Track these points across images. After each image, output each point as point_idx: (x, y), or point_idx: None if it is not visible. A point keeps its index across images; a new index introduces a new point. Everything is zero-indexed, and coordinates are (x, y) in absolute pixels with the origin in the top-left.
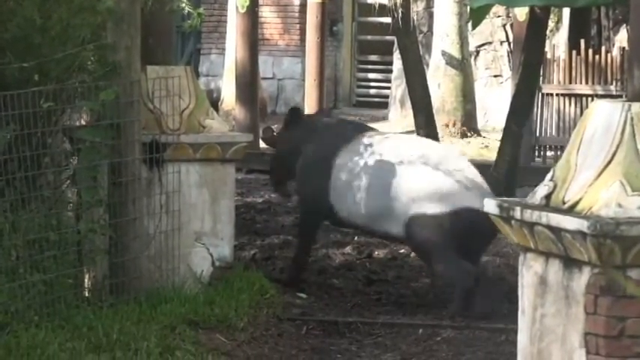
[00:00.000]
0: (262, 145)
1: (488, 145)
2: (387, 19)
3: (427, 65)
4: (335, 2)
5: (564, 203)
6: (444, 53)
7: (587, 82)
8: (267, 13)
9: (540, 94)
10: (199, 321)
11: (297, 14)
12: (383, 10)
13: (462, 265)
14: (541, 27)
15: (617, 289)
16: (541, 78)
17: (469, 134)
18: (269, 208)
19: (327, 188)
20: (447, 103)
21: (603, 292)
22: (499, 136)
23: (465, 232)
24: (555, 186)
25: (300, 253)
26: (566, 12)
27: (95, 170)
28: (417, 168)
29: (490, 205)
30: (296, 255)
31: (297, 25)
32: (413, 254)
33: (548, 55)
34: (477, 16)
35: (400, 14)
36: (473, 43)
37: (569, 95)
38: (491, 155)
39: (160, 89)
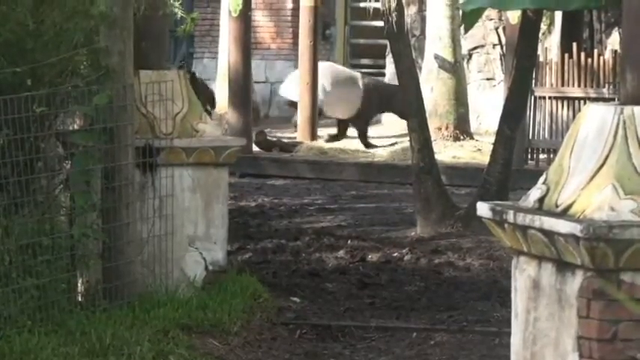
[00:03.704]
0: (255, 148)
1: (481, 149)
2: (380, 23)
3: (420, 69)
4: (328, 6)
5: (557, 206)
6: (436, 56)
7: (579, 85)
8: (260, 17)
9: (533, 97)
10: (193, 325)
11: (289, 18)
12: (376, 13)
13: None
14: (533, 30)
15: (609, 292)
16: (533, 81)
17: (462, 137)
18: (262, 212)
19: None
20: (439, 106)
21: (596, 296)
22: (492, 139)
23: None
24: (548, 189)
25: None
26: (558, 15)
27: (88, 175)
28: None
29: (483, 208)
30: None
31: (290, 29)
32: (406, 258)
33: (541, 58)
34: (470, 19)
35: (393, 18)
36: (465, 47)
37: (562, 98)
38: (484, 158)
39: (153, 93)
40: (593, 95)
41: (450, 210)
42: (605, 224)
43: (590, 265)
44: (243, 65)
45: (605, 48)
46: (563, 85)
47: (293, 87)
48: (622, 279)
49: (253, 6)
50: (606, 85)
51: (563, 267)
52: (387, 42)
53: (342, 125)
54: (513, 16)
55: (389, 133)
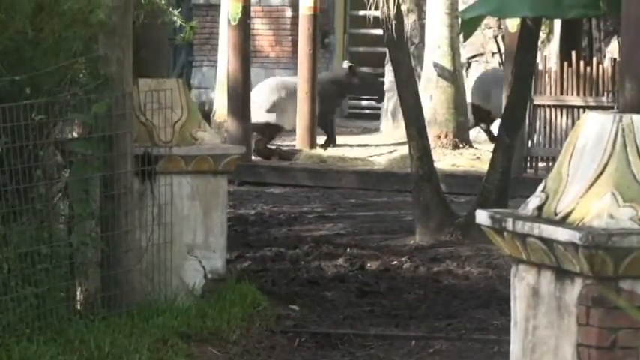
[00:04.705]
0: (254, 157)
1: (480, 157)
2: (379, 31)
3: (419, 77)
4: (327, 14)
5: (556, 214)
6: (435, 65)
7: (578, 94)
8: (259, 25)
9: (532, 105)
10: (192, 333)
11: (288, 26)
12: (376, 22)
13: None
14: (532, 38)
15: (609, 300)
16: (532, 89)
17: (461, 146)
18: (261, 220)
19: None
20: (438, 114)
21: (595, 304)
22: (491, 147)
23: None
24: (547, 197)
25: None
26: (557, 23)
27: (87, 183)
28: None
29: (482, 216)
30: None
31: (289, 37)
32: (405, 266)
33: (540, 67)
34: (468, 27)
35: (393, 26)
36: (464, 55)
37: (561, 106)
38: (484, 167)
39: (152, 102)
40: (592, 104)
41: (449, 218)
42: (604, 232)
43: (589, 272)
44: (242, 73)
45: (604, 56)
46: (562, 93)
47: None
48: (621, 286)
49: (252, 14)
50: (605, 94)
51: (563, 275)
52: (386, 50)
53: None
54: (512, 24)
55: (388, 141)
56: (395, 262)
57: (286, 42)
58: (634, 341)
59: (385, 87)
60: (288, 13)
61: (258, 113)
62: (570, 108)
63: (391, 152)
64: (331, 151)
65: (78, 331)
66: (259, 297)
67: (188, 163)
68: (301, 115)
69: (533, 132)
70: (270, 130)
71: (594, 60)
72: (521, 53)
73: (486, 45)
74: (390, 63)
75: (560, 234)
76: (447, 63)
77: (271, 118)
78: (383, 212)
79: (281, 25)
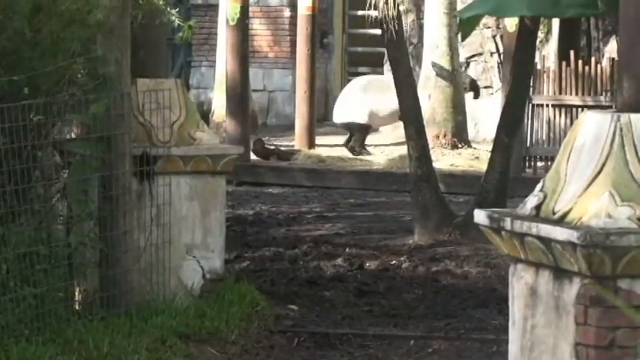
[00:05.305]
0: (253, 157)
1: (478, 157)
2: (378, 31)
3: (417, 77)
4: (325, 14)
5: (554, 214)
6: (434, 64)
7: (577, 93)
8: (258, 26)
9: (530, 104)
10: (190, 334)
11: (287, 26)
12: (374, 21)
13: None
14: (531, 38)
15: (607, 299)
16: (531, 89)
17: (460, 145)
18: (260, 220)
19: None
20: (437, 114)
21: (593, 303)
22: (490, 147)
23: None
24: (545, 196)
25: None
26: (555, 23)
27: (85, 183)
28: None
29: (480, 216)
30: None
31: (288, 37)
32: (404, 266)
33: (538, 66)
34: (467, 27)
35: (393, 26)
36: (463, 55)
37: (559, 106)
38: (482, 166)
39: (151, 102)
40: (590, 103)
41: (447, 218)
42: (602, 231)
43: (588, 272)
44: (240, 73)
45: (603, 56)
46: (560, 93)
47: None
48: (619, 286)
49: (251, 14)
50: (604, 93)
51: (561, 274)
52: (384, 50)
53: None
54: (511, 24)
55: (386, 140)
56: (394, 261)
57: (285, 42)
58: (632, 340)
59: None
60: (287, 13)
61: (350, 112)
62: (569, 107)
63: (390, 152)
64: (330, 151)
65: (76, 332)
66: (258, 297)
67: (186, 163)
68: (300, 115)
69: (531, 131)
70: (362, 130)
71: (593, 59)
72: (520, 53)
73: (485, 44)
74: (388, 63)
75: (559, 233)
76: (445, 63)
77: (361, 117)
78: (382, 212)
79: (279, 25)
